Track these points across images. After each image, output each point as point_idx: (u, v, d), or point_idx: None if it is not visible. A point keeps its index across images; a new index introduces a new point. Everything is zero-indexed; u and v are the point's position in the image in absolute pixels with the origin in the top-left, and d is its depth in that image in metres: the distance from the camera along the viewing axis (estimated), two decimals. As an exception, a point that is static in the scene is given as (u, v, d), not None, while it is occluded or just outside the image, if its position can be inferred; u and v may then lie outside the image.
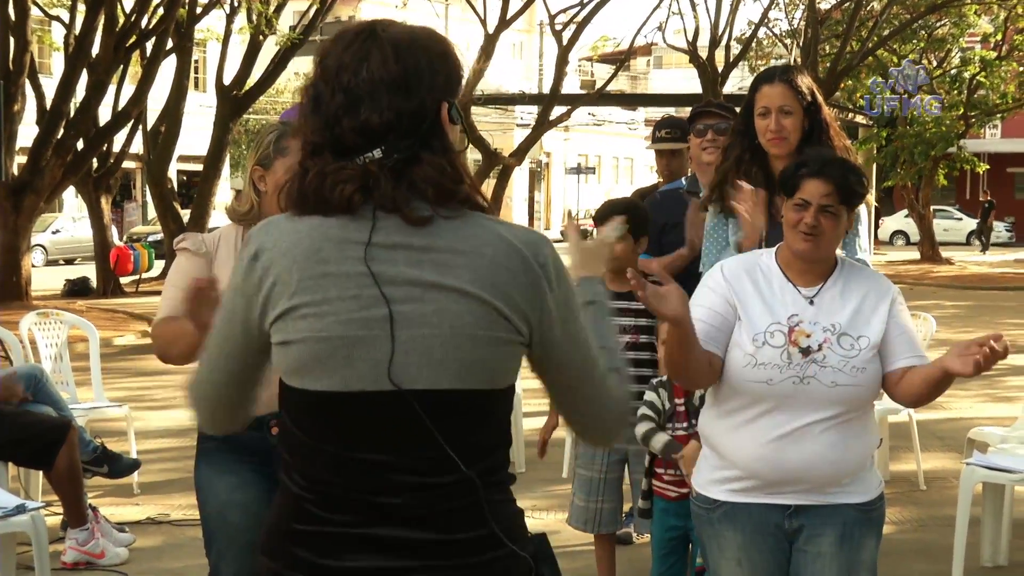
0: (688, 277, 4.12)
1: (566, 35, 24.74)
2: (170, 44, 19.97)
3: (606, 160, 58.29)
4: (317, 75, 1.99)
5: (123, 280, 21.41)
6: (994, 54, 30.03)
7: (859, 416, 3.11)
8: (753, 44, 30.57)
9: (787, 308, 3.09)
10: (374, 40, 1.96)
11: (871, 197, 4.00)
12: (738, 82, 36.75)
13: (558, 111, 26.14)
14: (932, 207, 33.50)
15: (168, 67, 20.60)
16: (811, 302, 3.11)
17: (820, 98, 3.89)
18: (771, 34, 31.83)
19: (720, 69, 26.63)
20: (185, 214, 21.99)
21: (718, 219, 3.96)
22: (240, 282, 1.98)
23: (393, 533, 1.92)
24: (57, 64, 24.98)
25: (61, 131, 17.46)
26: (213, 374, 2.07)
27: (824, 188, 3.09)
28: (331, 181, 1.92)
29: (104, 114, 19.38)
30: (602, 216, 4.59)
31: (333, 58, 1.97)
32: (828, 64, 26.87)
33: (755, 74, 4.19)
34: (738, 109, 4.18)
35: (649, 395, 4.22)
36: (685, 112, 5.18)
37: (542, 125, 25.88)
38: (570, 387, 2.07)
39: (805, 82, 3.88)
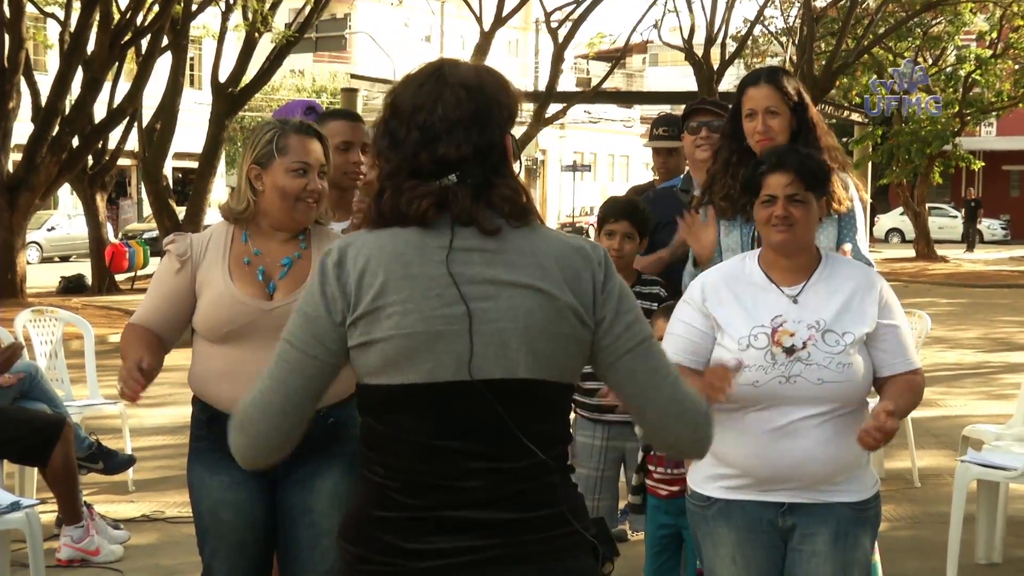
0: (673, 276, 4.20)
1: (562, 33, 24.74)
2: (165, 41, 19.94)
3: (602, 158, 58.29)
4: (388, 114, 2.16)
5: (118, 277, 21.39)
6: (989, 52, 30.07)
7: (851, 413, 3.10)
8: (749, 42, 30.55)
9: (770, 310, 3.10)
10: (444, 82, 2.13)
11: (865, 194, 4.01)
12: (734, 80, 36.54)
13: (554, 108, 26.11)
14: (927, 205, 33.51)
15: (163, 64, 20.56)
16: (795, 300, 3.11)
17: (807, 98, 3.90)
18: (767, 32, 31.82)
19: (716, 67, 26.61)
20: (181, 211, 21.94)
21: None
22: (320, 289, 2.10)
23: (473, 515, 2.06)
24: (52, 61, 24.92)
25: (56, 128, 17.44)
26: (275, 385, 2.13)
27: (785, 179, 3.11)
28: (408, 197, 2.09)
29: (99, 111, 19.34)
30: (606, 213, 4.60)
31: (406, 99, 2.14)
32: (824, 62, 26.85)
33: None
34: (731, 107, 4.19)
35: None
36: (681, 110, 5.20)
37: (538, 122, 25.86)
38: (643, 387, 2.17)
39: (791, 83, 3.89)
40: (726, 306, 3.13)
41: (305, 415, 2.14)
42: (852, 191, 3.80)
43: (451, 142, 2.09)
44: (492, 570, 2.05)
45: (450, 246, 2.07)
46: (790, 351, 3.04)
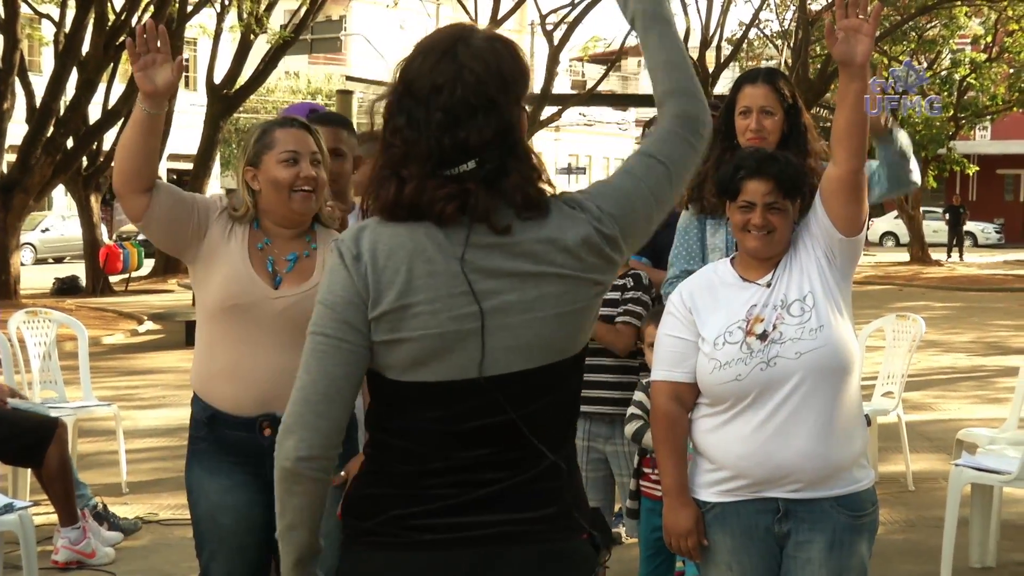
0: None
1: (557, 35, 24.77)
2: (160, 42, 19.91)
3: (597, 160, 58.31)
4: (401, 91, 2.09)
5: (112, 279, 21.37)
6: (984, 56, 30.09)
7: (839, 390, 3.05)
8: (744, 45, 30.60)
9: (744, 305, 3.09)
10: (460, 61, 2.08)
11: None
12: (729, 83, 36.46)
13: (549, 111, 26.15)
14: (922, 209, 33.51)
15: (158, 65, 20.52)
16: (768, 286, 3.11)
17: (800, 102, 3.91)
18: (762, 35, 31.86)
19: (711, 70, 26.67)
20: (175, 213, 21.88)
21: (692, 219, 3.98)
22: (341, 284, 2.07)
23: (485, 505, 2.08)
24: (47, 62, 24.91)
25: (51, 129, 17.42)
26: (316, 377, 2.08)
27: (765, 186, 3.10)
28: (430, 197, 2.05)
29: (94, 112, 19.34)
30: None
31: (423, 77, 2.07)
32: (819, 65, 26.91)
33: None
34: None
35: (638, 395, 4.26)
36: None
37: (533, 125, 25.87)
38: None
39: (787, 85, 3.90)
40: (706, 311, 3.13)
41: (348, 403, 2.10)
42: None
43: (473, 126, 2.05)
44: (494, 547, 2.08)
45: (466, 242, 2.05)
46: (763, 337, 3.03)
